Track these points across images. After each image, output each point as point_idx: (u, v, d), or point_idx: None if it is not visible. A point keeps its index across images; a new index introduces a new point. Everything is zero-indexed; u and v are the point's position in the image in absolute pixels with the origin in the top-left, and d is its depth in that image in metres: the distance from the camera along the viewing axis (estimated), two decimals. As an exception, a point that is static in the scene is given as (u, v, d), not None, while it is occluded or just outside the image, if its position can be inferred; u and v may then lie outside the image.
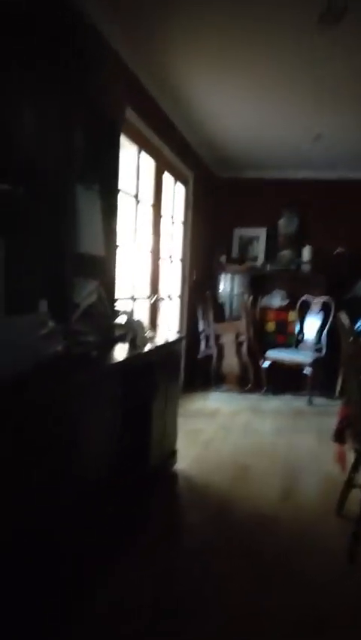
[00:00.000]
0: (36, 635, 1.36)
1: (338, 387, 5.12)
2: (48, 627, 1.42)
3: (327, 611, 1.73)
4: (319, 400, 4.90)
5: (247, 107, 3.82)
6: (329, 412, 4.43)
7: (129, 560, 1.97)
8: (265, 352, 5.02)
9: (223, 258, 5.64)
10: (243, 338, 5.02)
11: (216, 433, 3.69)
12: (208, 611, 1.70)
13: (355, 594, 1.84)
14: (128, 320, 2.34)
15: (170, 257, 4.52)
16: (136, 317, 2.43)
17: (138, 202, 3.50)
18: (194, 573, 1.93)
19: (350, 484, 2.44)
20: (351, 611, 1.74)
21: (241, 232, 5.96)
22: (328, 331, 5.07)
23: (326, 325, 5.11)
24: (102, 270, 2.30)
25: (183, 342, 4.06)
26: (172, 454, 2.92)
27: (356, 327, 5.15)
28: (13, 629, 1.25)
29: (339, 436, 2.56)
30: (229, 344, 5.09)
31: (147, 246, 3.84)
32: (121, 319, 2.42)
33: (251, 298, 5.13)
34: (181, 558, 2.05)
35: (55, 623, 1.46)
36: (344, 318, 2.05)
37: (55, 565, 1.44)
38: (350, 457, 2.48)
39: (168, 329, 4.64)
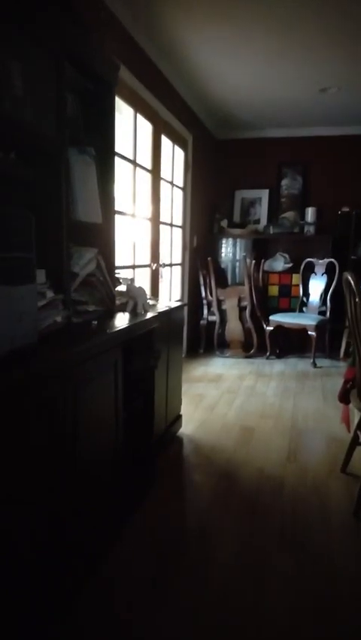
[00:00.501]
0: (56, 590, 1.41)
1: (343, 349, 5.13)
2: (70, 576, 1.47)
3: (334, 568, 1.77)
4: (324, 362, 4.92)
5: (246, 62, 3.67)
6: (334, 374, 4.46)
7: (138, 520, 2.02)
8: (268, 316, 5.00)
9: (225, 223, 5.55)
10: (246, 303, 4.99)
11: (221, 397, 3.72)
12: (211, 568, 1.75)
13: (360, 550, 1.88)
14: (128, 288, 2.31)
15: (170, 223, 4.45)
16: (137, 285, 2.41)
17: (135, 167, 3.41)
18: (200, 530, 1.98)
19: (354, 443, 2.46)
20: (357, 567, 1.78)
21: (242, 194, 5.85)
22: (332, 293, 5.03)
23: (330, 287, 5.07)
24: (100, 237, 2.25)
25: (186, 309, 4.04)
26: (177, 418, 2.95)
27: None
28: (26, 594, 1.29)
29: (345, 397, 2.57)
30: (232, 309, 5.07)
31: (146, 212, 3.77)
32: (122, 287, 2.39)
33: (254, 262, 5.07)
34: (188, 517, 2.10)
35: (74, 574, 1.51)
36: (351, 277, 2.02)
37: (68, 529, 1.47)
38: (355, 417, 2.50)
39: (170, 296, 4.61)
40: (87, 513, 1.64)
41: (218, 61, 3.66)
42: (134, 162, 3.38)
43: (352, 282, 2.00)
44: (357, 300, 1.97)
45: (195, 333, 5.22)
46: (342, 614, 1.54)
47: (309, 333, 4.77)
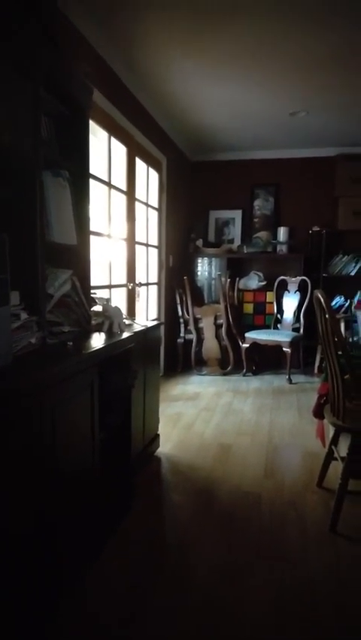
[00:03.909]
0: (30, 612, 1.38)
1: (317, 365, 5.22)
2: (40, 608, 1.44)
3: (310, 581, 1.79)
4: (298, 378, 4.99)
5: (220, 88, 3.79)
6: (309, 389, 4.53)
7: (116, 539, 2.00)
8: (244, 334, 5.07)
9: (200, 242, 5.64)
10: (222, 321, 5.05)
11: (198, 416, 3.73)
12: (191, 584, 1.74)
13: (337, 562, 1.91)
14: (104, 308, 2.33)
15: (146, 243, 4.49)
16: (114, 305, 2.42)
17: (110, 188, 3.46)
18: (179, 546, 1.97)
19: (329, 458, 2.50)
20: (334, 579, 1.80)
21: (216, 215, 5.96)
22: (305, 310, 5.14)
23: (303, 304, 5.18)
24: (76, 258, 2.27)
25: (162, 328, 4.06)
26: (155, 437, 2.94)
27: (333, 304, 5.24)
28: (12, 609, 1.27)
29: (319, 412, 2.61)
30: (208, 327, 5.12)
31: (121, 232, 3.81)
32: (98, 307, 2.41)
33: (229, 281, 5.15)
34: (167, 534, 2.09)
35: (47, 603, 1.48)
36: (321, 295, 2.08)
37: (43, 551, 1.45)
38: (330, 432, 2.55)
39: (147, 315, 4.63)
40: (65, 534, 1.62)
41: (192, 86, 3.77)
42: (109, 184, 3.43)
43: (322, 300, 2.06)
44: (327, 316, 2.04)
45: (172, 352, 5.24)
46: (321, 622, 1.55)
47: (284, 349, 4.84)
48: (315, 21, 2.76)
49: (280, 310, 5.40)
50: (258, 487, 2.53)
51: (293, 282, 5.32)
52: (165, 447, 3.06)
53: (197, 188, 5.95)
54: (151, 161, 4.50)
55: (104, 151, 3.42)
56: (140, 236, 4.24)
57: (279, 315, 5.40)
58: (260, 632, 1.54)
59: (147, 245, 4.52)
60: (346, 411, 2.13)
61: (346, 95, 3.90)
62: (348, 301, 5.29)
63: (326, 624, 1.57)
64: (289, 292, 5.36)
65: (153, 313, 4.89)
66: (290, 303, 5.33)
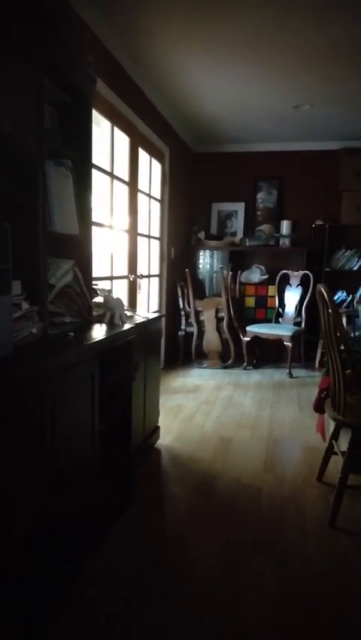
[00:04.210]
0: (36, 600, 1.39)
1: (318, 359, 5.22)
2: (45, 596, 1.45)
3: (309, 575, 1.79)
4: (299, 372, 4.99)
5: (224, 79, 3.75)
6: (309, 384, 4.52)
7: (117, 531, 2.01)
8: (245, 327, 5.06)
9: (202, 234, 5.61)
10: (223, 314, 5.04)
11: (199, 408, 3.73)
12: (190, 577, 1.74)
13: (336, 557, 1.91)
14: (106, 299, 2.32)
15: (148, 235, 4.47)
16: (115, 296, 2.41)
17: (113, 179, 3.43)
18: (179, 539, 1.97)
19: (329, 452, 2.50)
20: (333, 573, 1.81)
21: (219, 207, 5.93)
22: (307, 304, 5.13)
23: (305, 299, 5.17)
24: (78, 249, 2.26)
25: (163, 320, 4.05)
26: (155, 429, 2.94)
27: (335, 298, 5.22)
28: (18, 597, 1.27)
29: (320, 407, 2.61)
30: (209, 320, 5.11)
31: (123, 224, 3.79)
32: (99, 299, 2.40)
33: (231, 274, 5.13)
34: (167, 526, 2.09)
35: (50, 593, 1.49)
36: (324, 290, 2.07)
37: (43, 542, 1.45)
38: (330, 427, 2.55)
39: (148, 307, 4.62)
40: (66, 525, 1.62)
41: (196, 78, 3.73)
42: (111, 174, 3.40)
43: (325, 294, 2.05)
44: (330, 311, 2.02)
45: (173, 344, 5.23)
46: (319, 614, 1.56)
47: (285, 343, 4.83)
48: (317, 12, 2.72)
49: (282, 304, 5.39)
50: (258, 481, 2.53)
51: (295, 276, 5.31)
52: (165, 439, 3.06)
53: (200, 179, 5.91)
54: (154, 152, 4.46)
55: (107, 141, 3.39)
56: (142, 228, 4.21)
57: (281, 309, 5.39)
58: (259, 626, 1.54)
59: (148, 236, 4.50)
60: (347, 406, 2.13)
61: (350, 88, 3.86)
62: (350, 296, 5.27)
63: (326, 618, 1.58)
64: (291, 286, 5.34)
65: (155, 305, 4.88)
66: (292, 297, 5.31)
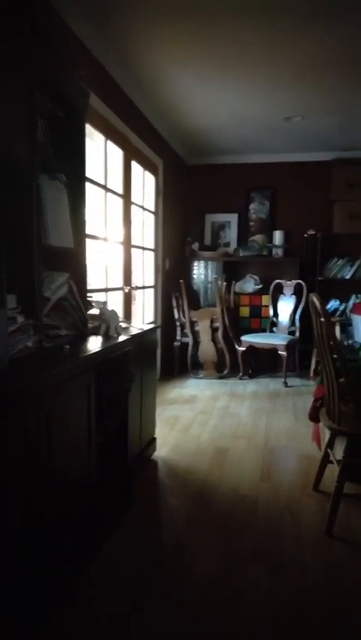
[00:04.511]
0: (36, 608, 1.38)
1: (312, 368, 5.24)
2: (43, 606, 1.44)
3: (306, 583, 1.79)
4: (294, 381, 5.00)
5: (215, 90, 3.80)
6: (304, 393, 4.54)
7: (114, 544, 2.00)
8: (240, 337, 5.08)
9: (196, 246, 5.65)
10: (218, 324, 5.06)
11: (195, 419, 3.73)
12: (188, 587, 1.74)
13: (332, 566, 1.91)
14: (101, 311, 2.33)
15: (142, 246, 4.50)
16: (110, 308, 2.42)
17: (106, 192, 3.46)
18: (176, 549, 1.97)
19: (325, 461, 2.51)
20: (330, 582, 1.81)
21: (212, 218, 5.98)
22: (301, 313, 5.16)
23: (298, 308, 5.20)
24: (72, 262, 2.27)
25: (159, 331, 4.06)
26: (151, 441, 2.94)
27: (328, 307, 5.26)
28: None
29: (315, 416, 2.62)
30: (204, 331, 5.13)
31: (118, 236, 3.81)
32: (94, 311, 2.41)
33: (225, 284, 5.16)
34: (164, 537, 2.09)
35: (49, 604, 1.48)
36: (316, 299, 2.09)
37: (39, 555, 1.44)
38: (326, 436, 2.56)
39: (143, 318, 4.64)
40: (62, 537, 1.61)
41: (188, 89, 3.79)
42: (105, 187, 3.44)
43: (317, 303, 2.07)
44: (322, 319, 2.04)
45: (168, 355, 5.24)
46: (315, 623, 1.56)
47: (280, 352, 4.85)
48: (307, 23, 2.78)
49: (276, 314, 5.42)
50: (254, 491, 2.53)
51: (289, 286, 5.34)
52: (162, 450, 3.05)
53: (193, 191, 5.96)
54: (147, 165, 4.51)
55: (101, 154, 3.42)
56: (136, 240, 4.24)
57: (275, 319, 5.41)
58: (256, 634, 1.54)
59: (143, 248, 4.53)
60: (341, 414, 2.14)
61: (341, 99, 3.93)
62: (343, 305, 5.31)
63: (323, 627, 1.57)
64: (284, 295, 5.38)
65: (150, 316, 4.89)
66: (286, 306, 5.35)
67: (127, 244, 3.96)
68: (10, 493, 1.29)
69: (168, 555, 1.97)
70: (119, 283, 3.89)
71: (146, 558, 1.93)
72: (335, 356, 2.10)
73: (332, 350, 2.11)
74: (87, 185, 2.40)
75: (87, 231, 2.40)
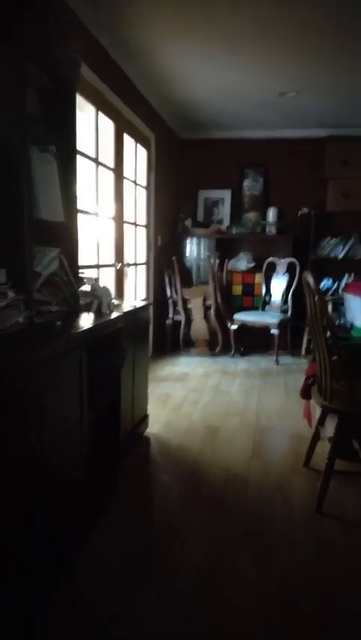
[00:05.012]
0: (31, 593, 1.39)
1: (304, 346, 5.26)
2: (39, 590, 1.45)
3: (297, 562, 1.82)
4: (286, 360, 5.03)
5: (210, 64, 3.69)
6: (296, 371, 4.56)
7: (105, 521, 2.01)
8: (232, 315, 5.07)
9: (189, 222, 5.58)
10: (210, 302, 5.04)
11: (187, 397, 3.74)
12: (180, 568, 1.76)
13: (323, 544, 1.94)
14: (93, 287, 2.30)
15: (134, 222, 4.43)
16: (102, 284, 2.39)
17: (98, 165, 3.38)
18: (168, 527, 1.99)
19: (316, 438, 2.53)
20: (320, 559, 1.84)
21: (205, 194, 5.89)
22: (293, 292, 5.15)
23: (291, 286, 5.19)
24: (63, 236, 2.23)
25: (151, 308, 4.04)
26: (143, 418, 2.95)
27: (321, 286, 5.25)
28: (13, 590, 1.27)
29: (306, 393, 2.63)
30: (196, 308, 5.11)
31: (109, 211, 3.75)
32: (86, 287, 2.37)
33: (218, 262, 5.13)
34: (156, 515, 2.11)
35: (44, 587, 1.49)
36: (310, 277, 2.07)
37: (29, 538, 1.44)
38: (317, 413, 2.57)
39: (135, 295, 4.60)
40: (55, 515, 1.62)
41: (182, 62, 3.68)
42: (96, 161, 3.36)
43: (311, 282, 2.05)
44: (316, 298, 2.03)
45: (161, 333, 5.23)
46: (304, 602, 1.59)
47: (272, 331, 4.86)
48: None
49: (269, 292, 5.40)
50: (245, 469, 2.55)
51: (282, 264, 5.32)
52: (154, 427, 3.06)
53: (186, 166, 5.86)
54: (140, 138, 4.41)
55: (92, 127, 3.33)
56: (128, 216, 4.17)
57: (267, 297, 5.40)
58: (245, 614, 1.57)
59: (135, 224, 4.46)
60: (333, 392, 2.15)
61: (336, 75, 3.84)
62: (336, 283, 5.31)
63: (313, 606, 1.60)
64: (277, 274, 5.36)
65: (142, 294, 4.86)
66: (279, 284, 5.33)
67: (119, 220, 3.89)
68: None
69: (159, 536, 1.98)
70: (111, 260, 3.84)
71: (136, 540, 1.95)
72: (327, 334, 2.10)
73: (324, 328, 2.10)
74: (78, 158, 2.34)
75: (78, 206, 2.35)
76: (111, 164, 3.71)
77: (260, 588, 1.65)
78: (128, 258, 4.23)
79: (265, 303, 5.40)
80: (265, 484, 2.39)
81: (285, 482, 2.42)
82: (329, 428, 2.44)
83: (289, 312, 5.17)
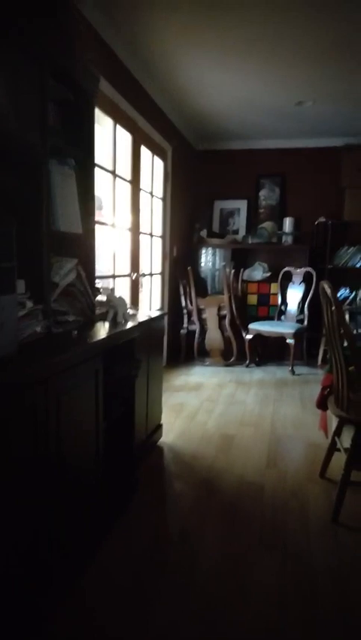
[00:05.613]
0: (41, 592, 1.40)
1: (320, 357, 5.22)
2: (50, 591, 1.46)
3: (312, 571, 1.80)
4: (302, 370, 4.99)
5: (226, 75, 3.74)
6: (312, 381, 4.52)
7: (119, 529, 2.02)
8: (247, 325, 5.06)
9: (204, 232, 5.61)
10: (225, 312, 5.04)
11: (201, 406, 3.74)
12: (194, 574, 1.75)
13: (338, 553, 1.92)
14: (109, 297, 2.33)
15: (150, 233, 4.48)
16: (117, 294, 2.42)
17: (115, 177, 3.43)
18: (182, 535, 1.98)
19: (332, 449, 2.51)
20: (335, 569, 1.81)
21: (221, 205, 5.92)
22: (310, 302, 5.12)
23: (307, 296, 5.16)
24: (81, 247, 2.26)
25: (166, 318, 4.06)
26: (158, 427, 2.95)
27: (338, 295, 5.22)
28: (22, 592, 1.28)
29: (322, 404, 2.61)
30: (211, 318, 5.11)
31: (126, 222, 3.79)
32: (102, 297, 2.40)
33: (233, 272, 5.13)
34: (170, 523, 2.10)
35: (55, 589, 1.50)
36: (327, 287, 2.07)
37: (45, 541, 1.46)
38: (333, 424, 2.55)
39: (150, 305, 4.63)
40: (70, 522, 1.63)
41: (198, 74, 3.73)
42: (113, 173, 3.41)
43: (328, 291, 2.05)
44: (333, 308, 2.03)
45: (175, 343, 5.24)
46: (323, 612, 1.57)
47: (287, 341, 4.84)
48: (320, 8, 2.72)
49: (285, 302, 5.38)
50: (260, 478, 2.54)
51: (298, 274, 5.30)
52: (168, 437, 3.07)
53: (202, 177, 5.90)
54: (156, 150, 4.46)
55: (109, 139, 3.39)
56: (144, 226, 4.22)
57: (283, 307, 5.38)
58: (262, 623, 1.55)
59: (151, 235, 4.50)
60: (350, 402, 2.13)
61: (353, 84, 3.85)
62: (353, 293, 5.27)
63: (329, 615, 1.58)
64: (293, 283, 5.34)
65: (157, 303, 4.89)
66: (295, 294, 5.31)
67: (135, 231, 3.93)
68: (17, 480, 1.30)
69: (174, 544, 1.97)
70: (127, 270, 3.88)
71: (150, 547, 1.95)
72: (344, 344, 2.09)
73: (341, 338, 2.09)
74: (96, 170, 2.38)
75: (96, 217, 2.38)
76: (128, 176, 3.76)
77: (277, 597, 1.64)
78: (143, 268, 4.27)
79: (280, 313, 5.38)
80: (281, 493, 2.37)
81: (301, 491, 2.40)
82: (346, 439, 2.41)
83: (306, 322, 5.14)
